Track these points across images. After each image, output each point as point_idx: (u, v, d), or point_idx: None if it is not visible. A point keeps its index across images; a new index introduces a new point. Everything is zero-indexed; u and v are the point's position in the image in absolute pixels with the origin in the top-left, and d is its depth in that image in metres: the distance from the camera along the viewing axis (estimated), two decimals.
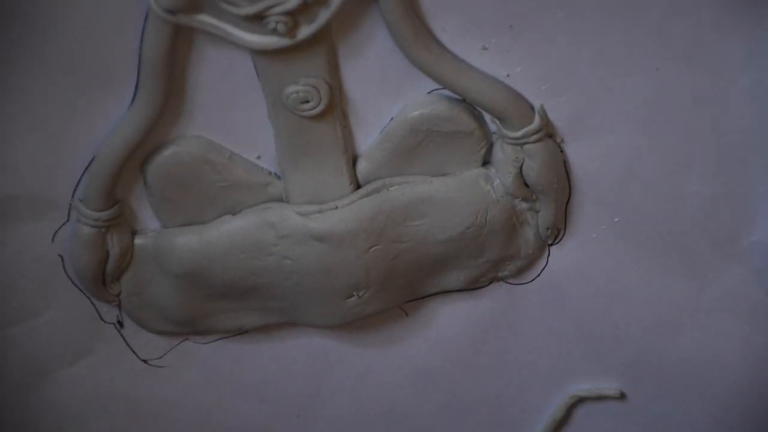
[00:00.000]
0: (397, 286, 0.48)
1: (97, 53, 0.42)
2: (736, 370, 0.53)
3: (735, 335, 0.52)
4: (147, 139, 0.44)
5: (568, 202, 0.48)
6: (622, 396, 0.53)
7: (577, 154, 0.46)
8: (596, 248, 0.49)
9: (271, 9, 0.39)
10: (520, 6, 0.42)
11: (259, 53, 0.41)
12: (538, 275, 0.50)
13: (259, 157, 0.46)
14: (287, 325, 0.51)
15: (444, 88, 0.44)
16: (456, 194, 0.46)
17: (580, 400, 0.54)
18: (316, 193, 0.46)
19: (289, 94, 0.42)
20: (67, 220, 0.46)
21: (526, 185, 0.46)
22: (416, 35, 0.42)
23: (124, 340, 0.50)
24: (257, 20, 0.40)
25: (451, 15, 0.42)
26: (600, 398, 0.54)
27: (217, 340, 0.51)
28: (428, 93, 0.45)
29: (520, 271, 0.50)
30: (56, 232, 0.47)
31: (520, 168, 0.46)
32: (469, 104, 0.45)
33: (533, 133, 0.45)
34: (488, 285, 0.50)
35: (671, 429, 0.55)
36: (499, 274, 0.50)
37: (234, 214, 0.47)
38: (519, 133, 0.44)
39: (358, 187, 0.47)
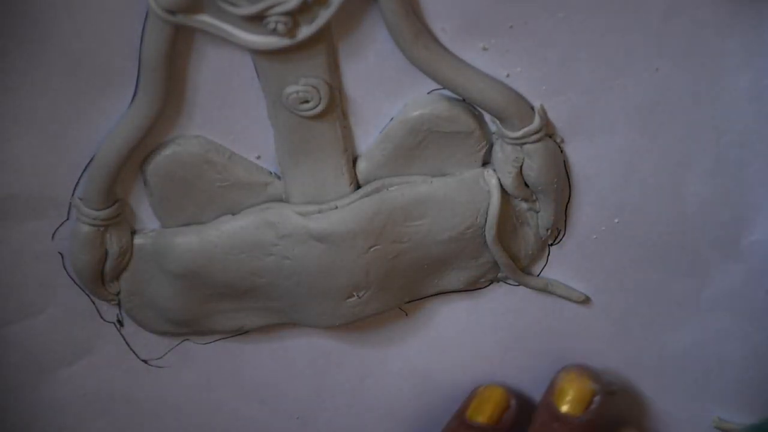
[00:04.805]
0: (397, 286, 0.48)
1: (97, 53, 0.42)
2: (735, 369, 0.53)
3: (735, 334, 0.52)
4: (147, 139, 0.44)
5: (568, 202, 0.48)
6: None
7: (577, 154, 0.46)
8: (596, 249, 0.49)
9: (271, 9, 0.39)
10: (520, 6, 0.42)
11: (259, 53, 0.41)
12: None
13: (259, 157, 0.46)
14: (287, 326, 0.51)
15: (444, 88, 0.44)
16: (456, 194, 0.46)
17: None
18: (316, 193, 0.46)
19: (289, 94, 0.42)
20: (67, 219, 0.46)
21: (526, 185, 0.46)
22: (416, 35, 0.42)
23: (124, 339, 0.50)
24: (257, 20, 0.40)
25: (451, 15, 0.42)
26: None
27: (217, 340, 0.51)
28: (428, 93, 0.44)
29: None
30: (56, 231, 0.47)
31: (520, 168, 0.46)
32: (469, 104, 0.45)
33: (533, 133, 0.44)
34: (488, 285, 0.50)
35: (670, 429, 0.55)
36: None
37: (234, 214, 0.47)
38: (519, 133, 0.44)
39: (358, 187, 0.47)
